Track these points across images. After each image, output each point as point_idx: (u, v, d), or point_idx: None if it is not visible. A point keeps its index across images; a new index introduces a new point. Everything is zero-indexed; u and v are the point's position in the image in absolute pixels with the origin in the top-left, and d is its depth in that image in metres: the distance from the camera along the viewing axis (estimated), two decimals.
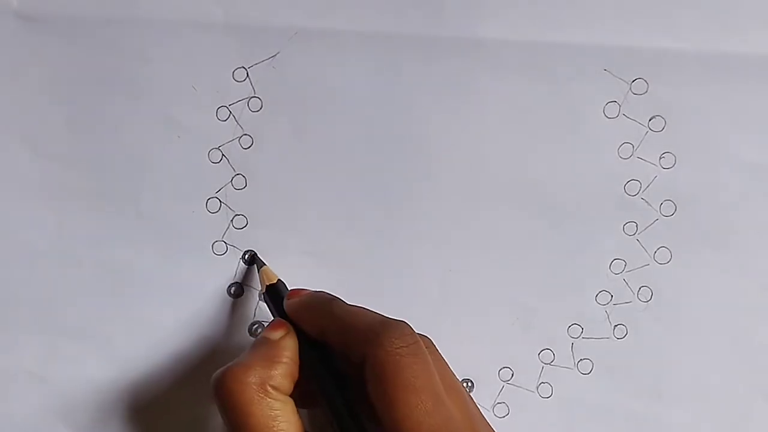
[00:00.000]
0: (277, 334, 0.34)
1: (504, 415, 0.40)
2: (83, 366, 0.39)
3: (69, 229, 0.38)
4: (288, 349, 0.34)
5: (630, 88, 0.39)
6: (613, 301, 0.40)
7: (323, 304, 0.34)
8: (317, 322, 0.34)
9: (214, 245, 0.39)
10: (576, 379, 0.40)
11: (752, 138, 0.39)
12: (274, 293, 0.37)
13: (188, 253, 0.39)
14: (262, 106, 0.39)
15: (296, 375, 0.34)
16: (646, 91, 0.39)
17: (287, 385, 0.33)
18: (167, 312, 0.39)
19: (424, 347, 0.32)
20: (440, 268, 0.40)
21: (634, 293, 0.40)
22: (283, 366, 0.33)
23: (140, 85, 0.38)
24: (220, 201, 0.39)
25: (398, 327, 0.32)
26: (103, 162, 0.38)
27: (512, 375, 0.40)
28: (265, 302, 0.37)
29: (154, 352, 0.39)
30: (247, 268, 0.39)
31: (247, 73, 0.38)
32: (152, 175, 0.38)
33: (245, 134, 0.39)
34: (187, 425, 0.39)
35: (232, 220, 0.39)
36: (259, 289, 0.38)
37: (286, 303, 0.35)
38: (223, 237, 0.39)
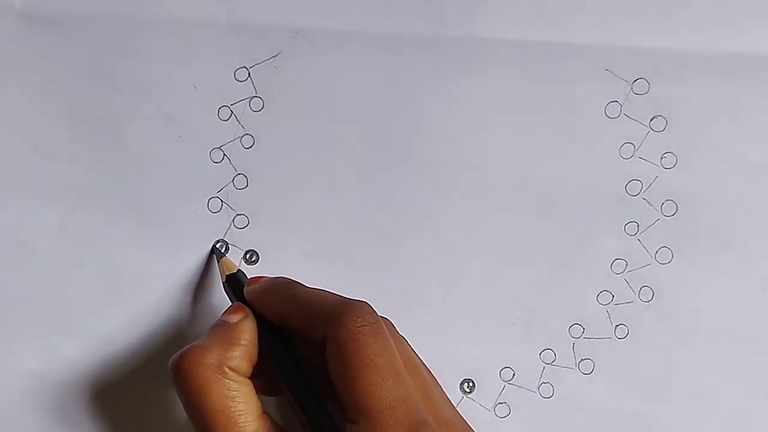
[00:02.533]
0: (235, 318, 0.34)
1: (505, 415, 0.40)
2: (83, 366, 0.39)
3: (70, 228, 0.38)
4: (246, 331, 0.34)
5: (631, 88, 0.39)
6: (614, 301, 0.40)
7: (283, 287, 0.35)
8: (278, 306, 0.34)
9: (216, 245, 0.39)
10: (577, 380, 0.40)
11: (754, 138, 0.39)
12: (234, 282, 0.37)
13: (190, 253, 0.39)
14: (263, 106, 0.39)
15: (255, 358, 0.34)
16: (648, 91, 0.39)
17: (245, 367, 0.33)
18: (168, 312, 0.39)
19: (384, 327, 0.32)
20: (441, 268, 0.40)
21: (635, 293, 0.40)
22: (240, 348, 0.33)
23: (142, 85, 0.38)
24: (222, 201, 0.39)
25: (359, 307, 0.32)
26: (104, 161, 0.38)
27: (513, 375, 0.40)
28: (226, 292, 0.37)
29: (154, 352, 0.39)
30: (248, 268, 0.39)
31: (249, 73, 0.38)
32: (153, 175, 0.38)
33: (247, 134, 0.39)
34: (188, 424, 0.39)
35: (233, 220, 0.39)
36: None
37: (246, 289, 0.35)
38: (224, 237, 0.39)
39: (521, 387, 0.40)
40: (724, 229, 0.39)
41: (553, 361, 0.40)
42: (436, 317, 0.39)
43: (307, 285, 0.35)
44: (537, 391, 0.40)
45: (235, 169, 0.39)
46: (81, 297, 0.39)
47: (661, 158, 0.39)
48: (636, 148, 0.39)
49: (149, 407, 0.39)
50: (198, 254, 0.39)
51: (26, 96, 0.38)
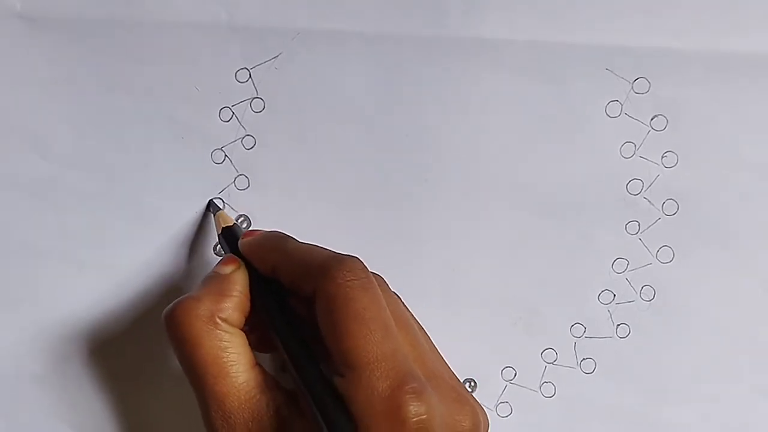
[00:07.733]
0: (227, 269, 0.34)
1: (507, 414, 0.40)
2: (83, 366, 0.39)
3: (71, 229, 0.39)
4: (238, 282, 0.34)
5: (632, 87, 0.39)
6: (615, 301, 0.40)
7: (277, 240, 0.35)
8: (270, 259, 0.34)
9: (217, 246, 0.39)
10: (579, 379, 0.40)
11: (755, 137, 0.39)
12: (230, 235, 0.37)
13: (191, 254, 0.39)
14: (264, 107, 0.39)
15: (247, 309, 0.34)
16: (648, 90, 0.39)
17: (237, 317, 0.33)
18: None
19: (374, 282, 0.32)
20: (443, 267, 0.40)
21: (636, 292, 0.40)
22: (233, 299, 0.33)
23: (143, 86, 0.38)
24: (223, 201, 0.39)
25: (350, 261, 0.32)
26: (105, 162, 0.38)
27: (515, 374, 0.40)
28: (221, 245, 0.37)
29: (155, 354, 0.39)
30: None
31: (250, 74, 0.38)
32: (155, 176, 0.38)
33: (248, 135, 0.39)
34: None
35: (235, 221, 0.39)
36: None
37: (240, 241, 0.35)
38: None
39: (523, 386, 0.40)
40: (725, 228, 0.39)
41: (554, 361, 0.40)
42: (437, 317, 0.39)
43: (300, 240, 0.35)
44: (539, 391, 0.40)
45: (237, 170, 0.39)
46: (81, 298, 0.39)
47: (662, 157, 0.39)
48: (637, 147, 0.39)
49: (147, 407, 0.39)
50: (200, 256, 0.39)
51: (27, 97, 0.38)
